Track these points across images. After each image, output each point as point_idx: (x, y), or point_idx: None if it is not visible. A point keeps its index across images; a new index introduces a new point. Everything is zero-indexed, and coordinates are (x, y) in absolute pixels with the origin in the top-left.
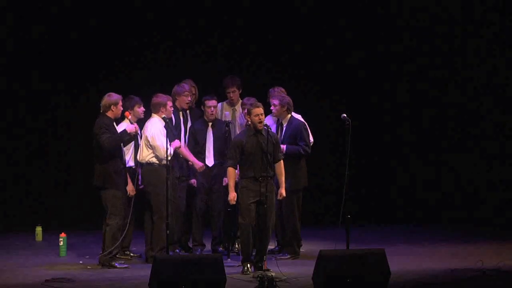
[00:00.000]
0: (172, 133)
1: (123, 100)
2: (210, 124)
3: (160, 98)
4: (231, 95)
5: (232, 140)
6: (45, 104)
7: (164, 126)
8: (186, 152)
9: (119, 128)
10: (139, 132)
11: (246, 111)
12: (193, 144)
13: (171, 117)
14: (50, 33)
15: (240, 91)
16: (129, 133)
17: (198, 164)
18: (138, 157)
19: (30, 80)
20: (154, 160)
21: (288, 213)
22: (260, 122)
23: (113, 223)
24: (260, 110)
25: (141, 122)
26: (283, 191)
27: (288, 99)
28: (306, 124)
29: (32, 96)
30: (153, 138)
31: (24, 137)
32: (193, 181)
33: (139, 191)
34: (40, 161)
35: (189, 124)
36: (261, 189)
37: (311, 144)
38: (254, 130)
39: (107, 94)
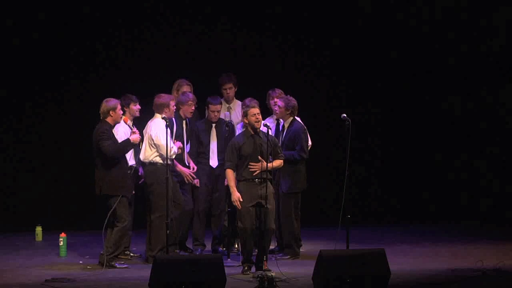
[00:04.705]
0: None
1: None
2: (213, 124)
3: (162, 98)
4: (228, 92)
5: (229, 142)
6: (45, 104)
7: (166, 126)
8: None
9: (116, 130)
10: (139, 140)
11: None
12: (197, 145)
13: (172, 118)
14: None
15: (236, 89)
16: (132, 143)
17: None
18: (141, 157)
19: (30, 78)
20: (158, 159)
21: (285, 216)
22: (258, 121)
23: (121, 226)
24: (256, 110)
25: (137, 120)
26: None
27: (293, 102)
28: (305, 128)
29: (31, 95)
30: (157, 137)
31: (24, 136)
32: (196, 181)
33: (141, 190)
34: (40, 161)
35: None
36: (259, 191)
37: (310, 146)
38: (251, 132)
39: (104, 100)
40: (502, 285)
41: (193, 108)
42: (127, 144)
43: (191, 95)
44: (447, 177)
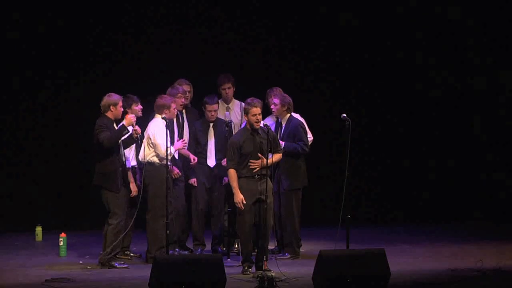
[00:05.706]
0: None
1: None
2: (211, 124)
3: (164, 100)
4: (227, 92)
5: (229, 141)
6: (45, 103)
7: (165, 126)
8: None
9: None
10: (140, 133)
11: None
12: (194, 144)
13: (173, 119)
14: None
15: (234, 89)
16: (127, 127)
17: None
18: (140, 156)
19: (30, 77)
20: (155, 159)
21: (287, 213)
22: (257, 122)
23: (115, 223)
24: (258, 110)
25: (139, 121)
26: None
27: (289, 99)
28: (304, 123)
29: (31, 94)
30: (154, 136)
31: (24, 136)
32: (193, 180)
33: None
34: (40, 161)
35: (185, 125)
36: (259, 187)
37: (311, 141)
38: (251, 130)
39: (107, 95)
40: (502, 285)
41: (183, 100)
42: (122, 129)
43: (180, 88)
44: (447, 177)
